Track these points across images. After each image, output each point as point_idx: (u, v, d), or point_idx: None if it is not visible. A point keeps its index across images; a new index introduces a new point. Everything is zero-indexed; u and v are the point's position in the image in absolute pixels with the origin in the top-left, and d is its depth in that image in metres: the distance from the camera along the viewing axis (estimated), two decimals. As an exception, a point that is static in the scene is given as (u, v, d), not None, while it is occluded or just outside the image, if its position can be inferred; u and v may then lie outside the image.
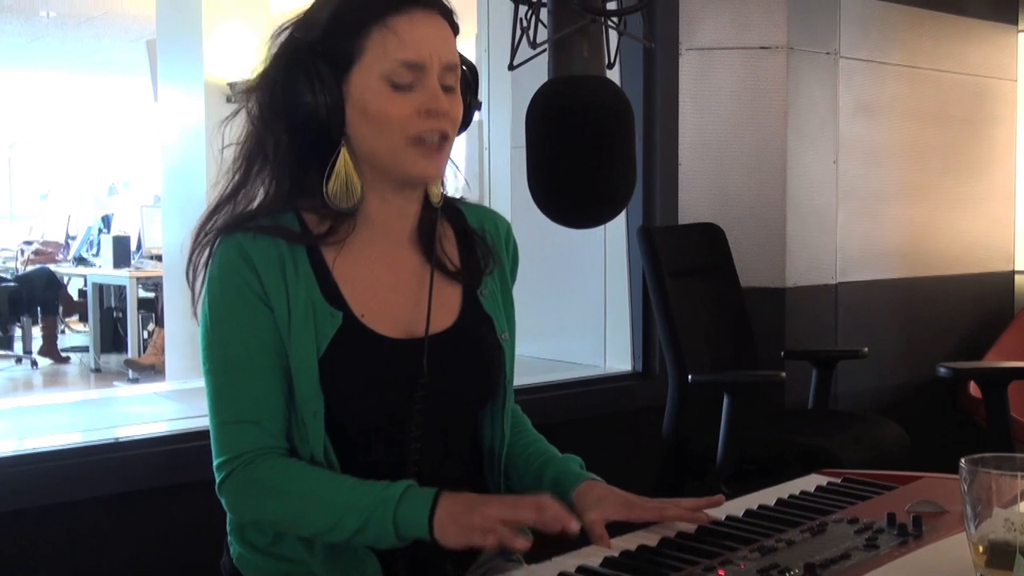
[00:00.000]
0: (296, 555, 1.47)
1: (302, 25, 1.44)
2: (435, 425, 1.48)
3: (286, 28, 1.46)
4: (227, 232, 1.45)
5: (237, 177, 1.49)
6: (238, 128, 1.51)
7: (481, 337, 1.54)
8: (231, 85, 6.49)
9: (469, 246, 1.58)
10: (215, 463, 1.45)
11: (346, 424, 1.44)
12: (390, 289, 1.49)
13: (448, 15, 1.47)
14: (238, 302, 1.43)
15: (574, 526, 1.31)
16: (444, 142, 1.45)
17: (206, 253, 1.47)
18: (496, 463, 1.58)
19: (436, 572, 1.50)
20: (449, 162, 1.51)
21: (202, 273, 1.47)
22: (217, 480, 1.45)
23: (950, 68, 4.16)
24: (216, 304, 1.44)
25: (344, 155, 1.43)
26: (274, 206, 1.46)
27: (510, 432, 1.62)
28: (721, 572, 1.22)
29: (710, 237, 3.35)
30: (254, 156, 1.47)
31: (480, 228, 1.60)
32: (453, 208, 1.59)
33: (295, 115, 1.42)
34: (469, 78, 1.53)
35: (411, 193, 1.51)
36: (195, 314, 1.49)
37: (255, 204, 1.48)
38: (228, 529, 1.56)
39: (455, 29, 1.48)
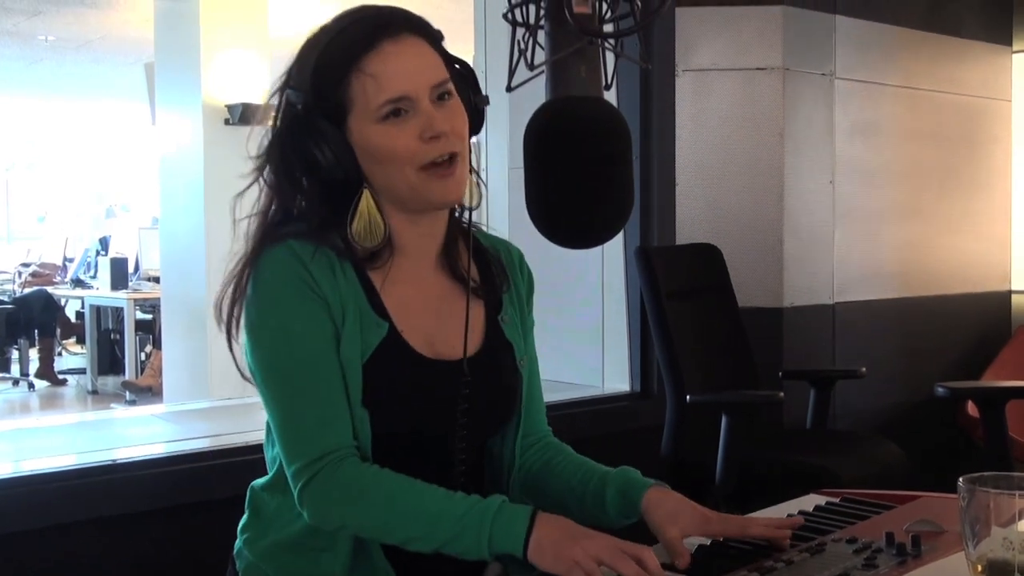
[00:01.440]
0: (312, 567, 1.46)
1: (293, 85, 1.45)
2: (470, 449, 1.50)
3: (279, 91, 1.47)
4: (272, 242, 1.45)
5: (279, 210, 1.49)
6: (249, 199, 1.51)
7: (504, 363, 1.56)
8: (229, 108, 6.51)
9: (485, 265, 1.59)
10: (293, 467, 1.41)
11: (388, 437, 1.44)
12: (422, 309, 1.50)
13: (421, 30, 1.46)
14: (297, 300, 1.42)
15: None
16: (455, 159, 1.44)
17: (248, 271, 1.45)
18: (507, 488, 1.57)
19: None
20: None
21: (244, 289, 1.45)
22: (296, 486, 1.41)
23: (945, 89, 4.18)
24: (272, 301, 1.43)
25: (366, 196, 1.44)
26: (320, 227, 1.46)
27: (554, 460, 1.62)
28: (721, 592, 1.22)
29: (707, 257, 3.36)
30: (276, 218, 1.48)
31: (495, 253, 1.62)
32: (467, 231, 1.60)
33: (313, 176, 1.44)
34: (466, 76, 1.51)
35: (436, 214, 1.52)
36: (231, 331, 1.46)
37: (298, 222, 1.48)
38: (241, 538, 1.55)
39: (434, 39, 1.47)
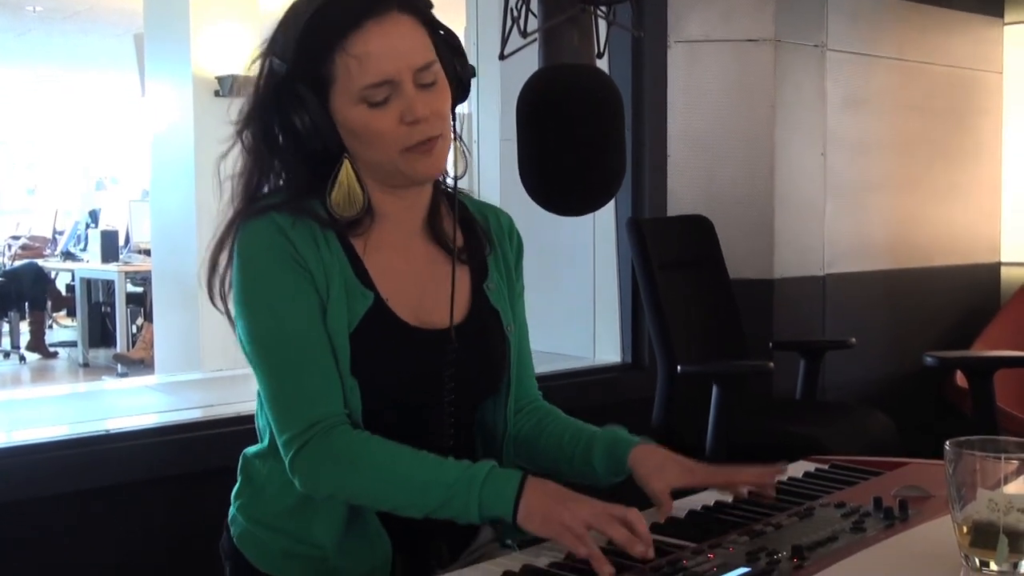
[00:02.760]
0: (305, 532, 1.47)
1: (276, 51, 1.43)
2: (459, 415, 1.51)
3: (263, 58, 1.45)
4: (254, 214, 1.45)
5: (258, 179, 1.49)
6: (231, 160, 1.51)
7: (491, 331, 1.56)
8: (219, 80, 6.48)
9: (470, 230, 1.59)
10: (284, 437, 1.42)
11: (375, 403, 1.45)
12: (406, 278, 1.51)
13: (408, 5, 1.43)
14: (283, 271, 1.42)
15: (650, 553, 1.27)
16: (436, 140, 1.44)
17: (229, 241, 1.45)
18: (500, 453, 1.59)
19: (434, 554, 1.51)
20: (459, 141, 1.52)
21: (226, 261, 1.45)
22: (288, 455, 1.42)
23: (937, 60, 4.18)
24: (258, 275, 1.43)
25: (347, 166, 1.44)
26: (300, 197, 1.46)
27: (544, 421, 1.63)
28: (711, 555, 1.24)
29: (699, 229, 3.37)
30: (254, 181, 1.48)
31: (482, 218, 1.62)
32: (453, 198, 1.60)
33: (294, 142, 1.43)
34: (452, 45, 1.50)
35: (421, 185, 1.52)
36: (215, 302, 1.47)
37: (277, 192, 1.49)
38: (234, 505, 1.56)
39: (420, 12, 1.45)
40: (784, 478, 1.52)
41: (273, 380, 1.44)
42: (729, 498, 1.49)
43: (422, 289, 1.51)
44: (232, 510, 1.57)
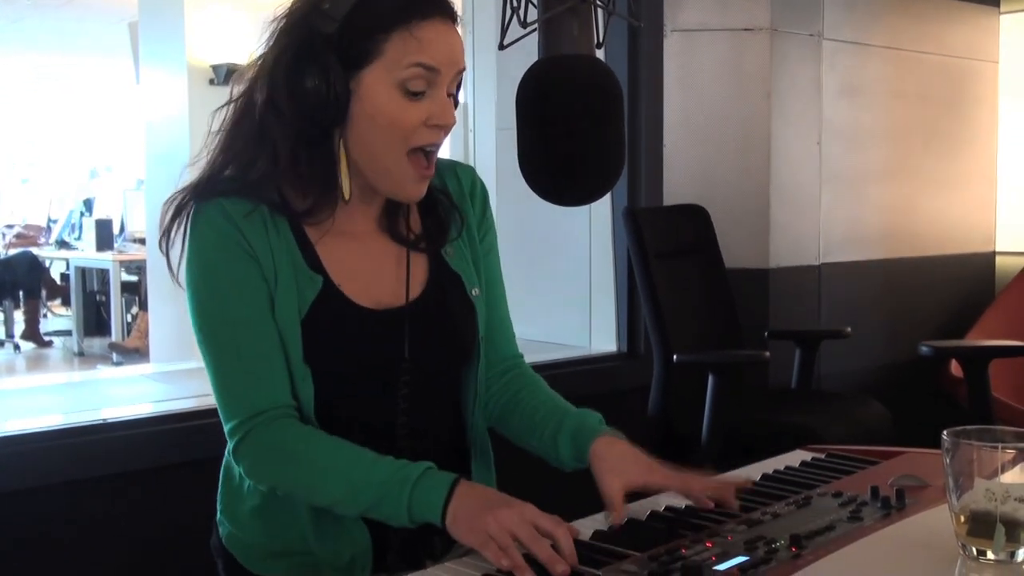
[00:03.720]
0: (288, 532, 1.48)
1: (317, 14, 1.40)
2: (421, 390, 1.49)
3: (298, 12, 1.43)
4: (204, 197, 1.44)
5: (228, 155, 1.47)
6: (225, 108, 1.50)
7: (453, 299, 1.54)
8: (214, 68, 6.46)
9: (429, 209, 1.56)
10: (228, 426, 1.43)
11: (329, 390, 1.44)
12: (362, 261, 1.49)
13: (457, 21, 1.46)
14: (228, 258, 1.42)
15: (567, 570, 1.21)
16: (435, 152, 1.46)
17: (180, 219, 1.45)
18: (472, 426, 1.58)
19: (425, 547, 1.51)
20: None
21: (178, 241, 1.46)
22: (231, 443, 1.43)
23: (933, 50, 4.18)
24: (206, 264, 1.43)
25: (340, 150, 1.42)
26: (258, 181, 1.45)
27: (521, 393, 1.61)
28: (709, 543, 1.24)
29: (695, 218, 3.37)
30: (249, 136, 1.45)
31: (442, 185, 1.59)
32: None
33: (299, 104, 1.40)
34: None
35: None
36: (176, 280, 1.47)
37: (228, 175, 1.47)
38: (219, 508, 1.57)
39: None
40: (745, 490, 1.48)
41: (219, 368, 1.43)
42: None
43: (375, 270, 1.50)
44: (218, 512, 1.57)
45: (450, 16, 1.43)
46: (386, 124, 1.40)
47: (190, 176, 1.50)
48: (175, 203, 1.46)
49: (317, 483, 1.40)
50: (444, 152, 1.53)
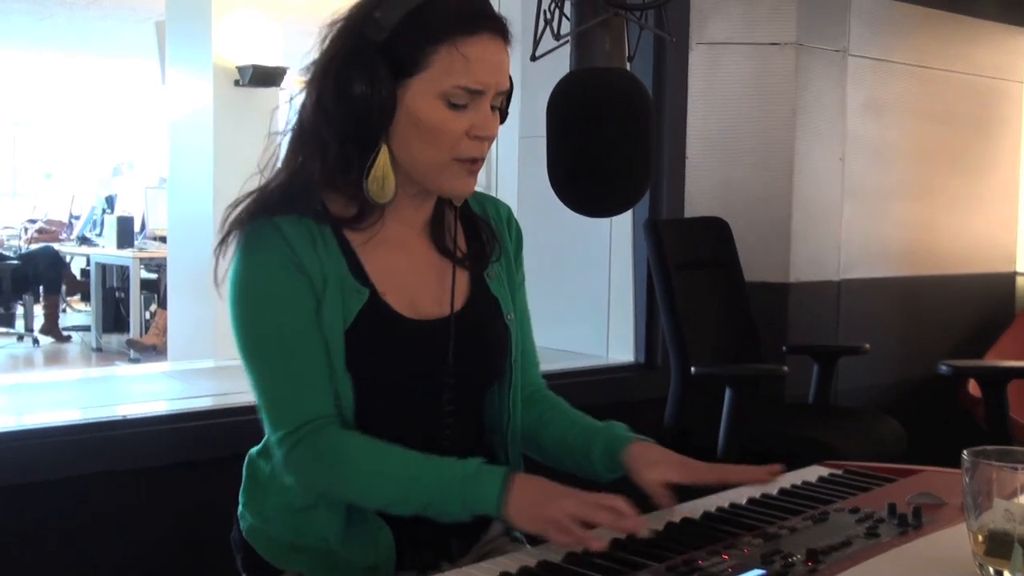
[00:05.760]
0: (314, 529, 1.49)
1: (368, 22, 1.42)
2: (464, 400, 1.53)
3: (351, 19, 1.45)
4: (258, 213, 1.47)
5: (290, 158, 1.50)
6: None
7: (490, 319, 1.58)
8: (240, 70, 6.49)
9: (474, 233, 1.60)
10: (275, 436, 1.45)
11: (370, 398, 1.47)
12: (406, 273, 1.52)
13: (507, 37, 1.48)
14: (280, 274, 1.44)
15: (644, 531, 1.30)
16: (481, 160, 1.48)
17: (238, 230, 1.47)
18: (505, 442, 1.60)
19: (441, 548, 1.52)
20: None
21: (229, 250, 1.48)
22: (280, 453, 1.45)
23: (958, 68, 4.17)
24: (256, 278, 1.45)
25: (384, 153, 1.44)
26: (304, 190, 1.47)
27: (547, 414, 1.65)
28: (725, 556, 1.25)
29: (716, 231, 3.37)
30: (305, 141, 1.48)
31: (483, 214, 1.63)
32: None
33: (346, 106, 1.42)
34: (511, 91, 1.54)
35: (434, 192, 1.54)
36: (217, 287, 1.49)
37: (281, 185, 1.49)
38: (241, 501, 1.59)
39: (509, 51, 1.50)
40: (781, 476, 1.54)
41: (264, 380, 1.46)
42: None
43: (420, 282, 1.53)
44: (240, 506, 1.60)
45: (500, 32, 1.45)
46: (429, 132, 1.43)
47: (254, 182, 1.52)
48: (237, 212, 1.48)
49: (371, 486, 1.42)
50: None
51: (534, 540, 1.42)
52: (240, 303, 1.46)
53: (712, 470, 1.50)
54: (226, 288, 1.48)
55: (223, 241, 1.48)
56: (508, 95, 1.53)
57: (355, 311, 1.45)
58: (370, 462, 1.42)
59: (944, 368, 3.13)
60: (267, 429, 1.48)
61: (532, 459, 1.66)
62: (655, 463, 1.49)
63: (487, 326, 1.57)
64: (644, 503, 1.44)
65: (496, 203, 1.67)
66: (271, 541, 1.54)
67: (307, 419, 1.43)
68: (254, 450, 1.59)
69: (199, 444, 2.50)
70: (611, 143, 1.93)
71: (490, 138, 1.46)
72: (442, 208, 1.57)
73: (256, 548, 1.56)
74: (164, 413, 2.60)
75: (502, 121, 1.54)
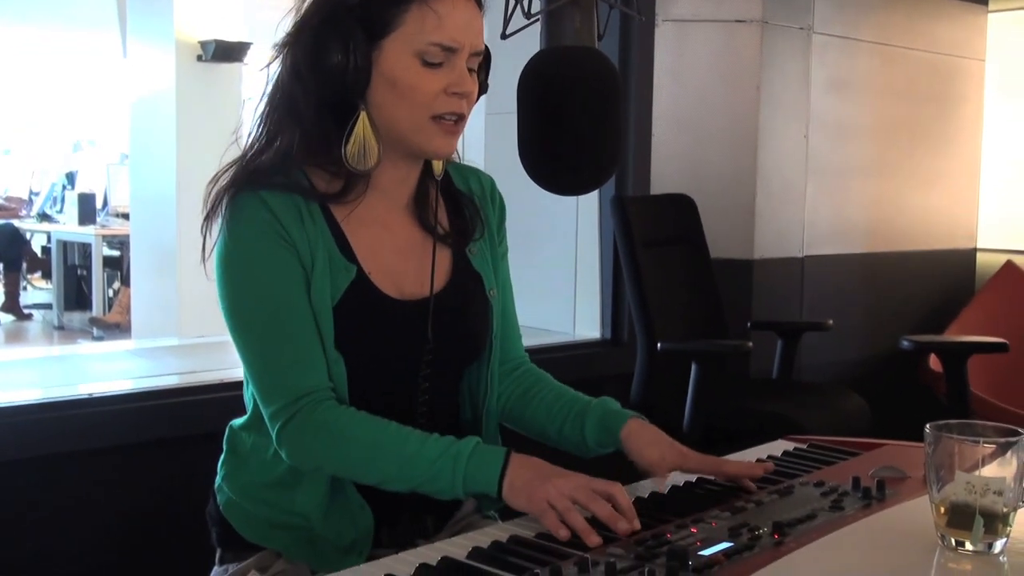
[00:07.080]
0: (289, 503, 1.49)
1: None
2: (439, 377, 1.53)
3: None
4: (243, 185, 1.46)
5: (268, 129, 1.49)
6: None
7: (472, 296, 1.58)
8: (202, 44, 6.42)
9: (457, 209, 1.61)
10: (269, 410, 1.44)
11: (357, 375, 1.47)
12: (390, 251, 1.52)
13: (480, 4, 1.49)
14: (268, 246, 1.43)
15: (636, 526, 1.28)
16: (461, 121, 1.48)
17: (222, 204, 1.46)
18: (481, 416, 1.61)
19: (417, 526, 1.53)
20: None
21: (215, 226, 1.47)
22: (274, 428, 1.44)
23: (920, 46, 4.21)
24: (245, 251, 1.44)
25: (363, 119, 1.44)
26: (285, 163, 1.47)
27: (533, 388, 1.66)
28: (694, 529, 1.27)
29: (681, 208, 3.38)
30: (282, 110, 1.48)
31: (467, 189, 1.64)
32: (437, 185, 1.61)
33: (322, 72, 1.42)
34: (488, 56, 1.56)
35: (416, 161, 1.54)
36: (204, 264, 1.48)
37: (264, 159, 1.48)
38: (220, 474, 1.58)
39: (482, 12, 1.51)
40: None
41: (258, 353, 1.45)
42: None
43: (403, 262, 1.53)
44: (218, 479, 1.59)
45: None
46: (406, 91, 1.43)
47: (231, 154, 1.51)
48: (218, 185, 1.47)
49: (368, 462, 1.42)
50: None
51: (507, 516, 1.44)
52: (228, 276, 1.45)
53: (706, 461, 1.51)
54: (211, 265, 1.47)
55: (209, 216, 1.46)
56: (486, 64, 1.54)
57: (343, 288, 1.45)
58: (370, 438, 1.42)
59: (906, 343, 3.17)
60: (260, 402, 1.46)
61: (512, 434, 1.67)
62: (653, 443, 1.51)
63: (468, 305, 1.57)
64: (627, 475, 1.47)
65: (479, 174, 1.68)
66: (249, 517, 1.54)
67: (302, 392, 1.43)
68: (237, 422, 1.58)
69: (166, 422, 2.49)
70: (582, 122, 1.94)
71: (468, 95, 1.46)
72: (426, 184, 1.57)
73: (232, 523, 1.55)
74: (130, 391, 2.58)
75: (482, 92, 1.54)
